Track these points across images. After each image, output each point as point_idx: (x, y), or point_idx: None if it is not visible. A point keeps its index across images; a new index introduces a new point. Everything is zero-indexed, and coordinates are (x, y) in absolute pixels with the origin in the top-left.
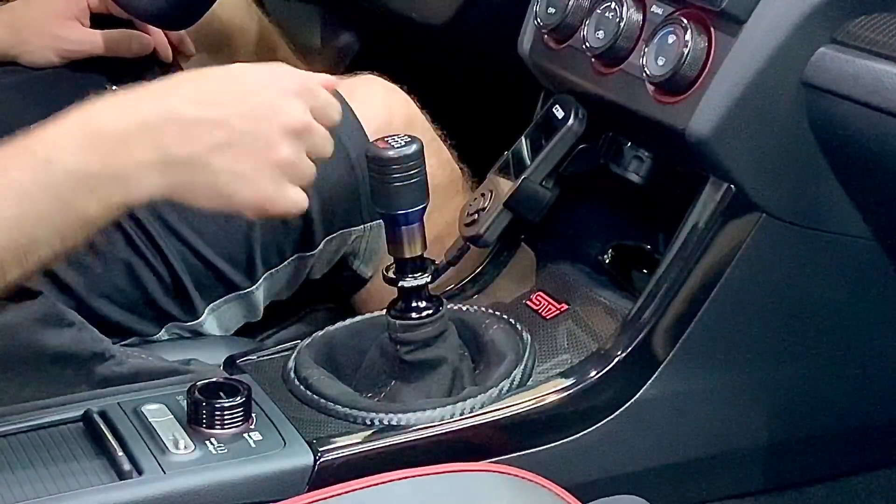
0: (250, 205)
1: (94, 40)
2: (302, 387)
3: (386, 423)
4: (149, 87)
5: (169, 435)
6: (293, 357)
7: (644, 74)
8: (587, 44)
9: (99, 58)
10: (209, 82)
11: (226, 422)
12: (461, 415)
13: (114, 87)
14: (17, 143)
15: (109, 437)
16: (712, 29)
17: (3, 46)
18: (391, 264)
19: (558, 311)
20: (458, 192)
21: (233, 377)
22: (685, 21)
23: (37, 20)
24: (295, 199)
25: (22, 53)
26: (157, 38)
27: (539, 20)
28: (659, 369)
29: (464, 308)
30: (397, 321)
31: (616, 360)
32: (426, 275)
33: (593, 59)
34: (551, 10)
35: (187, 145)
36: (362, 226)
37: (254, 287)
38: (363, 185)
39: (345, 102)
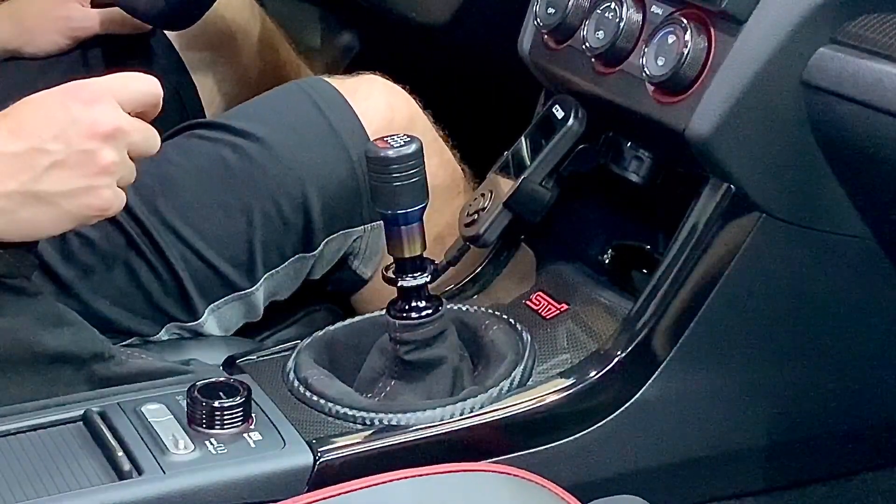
0: (93, 216)
1: (97, 17)
2: (302, 387)
3: (386, 423)
4: None
5: (169, 435)
6: (293, 357)
7: (644, 74)
8: (587, 44)
9: (97, 51)
10: (20, 114)
11: (226, 422)
12: (461, 415)
13: None
14: None
15: (109, 437)
16: (712, 29)
17: (7, 38)
18: (391, 264)
19: (558, 311)
20: (459, 192)
21: (233, 377)
22: (685, 21)
23: (40, 6)
24: (121, 201)
25: (27, 42)
26: None
27: (539, 20)
28: (659, 369)
29: (464, 308)
30: (397, 321)
31: (616, 360)
32: (426, 275)
33: (593, 59)
34: (551, 10)
35: (14, 178)
36: (363, 226)
37: (254, 288)
38: (364, 185)
39: (346, 102)
